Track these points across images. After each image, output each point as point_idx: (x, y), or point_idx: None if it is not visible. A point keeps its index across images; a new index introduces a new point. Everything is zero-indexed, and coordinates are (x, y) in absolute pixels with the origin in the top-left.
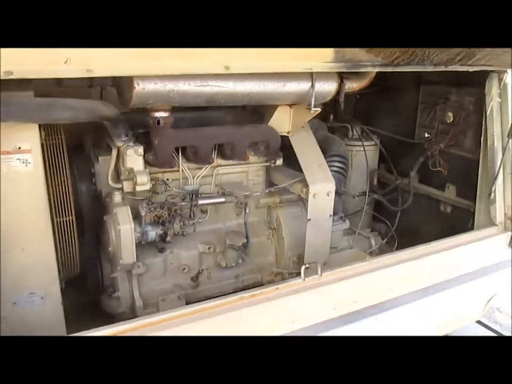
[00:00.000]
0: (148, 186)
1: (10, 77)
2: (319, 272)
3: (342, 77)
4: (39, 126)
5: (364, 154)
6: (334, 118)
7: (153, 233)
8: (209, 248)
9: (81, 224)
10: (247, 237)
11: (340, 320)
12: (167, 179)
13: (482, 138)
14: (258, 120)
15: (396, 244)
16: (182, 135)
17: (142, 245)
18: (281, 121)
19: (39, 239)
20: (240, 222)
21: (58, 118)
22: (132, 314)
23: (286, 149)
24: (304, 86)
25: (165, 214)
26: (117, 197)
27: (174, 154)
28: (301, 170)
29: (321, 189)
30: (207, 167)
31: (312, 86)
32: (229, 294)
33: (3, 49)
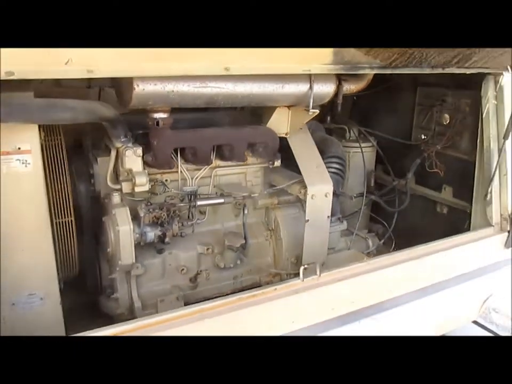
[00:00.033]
0: (146, 187)
1: (12, 77)
2: (317, 272)
3: (340, 78)
4: (39, 126)
5: (361, 155)
6: (331, 120)
7: (152, 234)
8: (207, 249)
9: (80, 225)
10: (245, 238)
11: (338, 320)
12: (166, 180)
13: (478, 140)
14: (257, 121)
15: (393, 245)
16: (181, 136)
17: (141, 246)
18: (279, 122)
19: (39, 239)
20: (239, 223)
21: (58, 119)
22: (131, 315)
23: (284, 150)
24: (302, 87)
25: (163, 215)
26: (116, 197)
27: (173, 155)
28: (298, 172)
29: (319, 190)
30: (205, 168)
31: (311, 87)
32: (227, 295)
33: (4, 50)
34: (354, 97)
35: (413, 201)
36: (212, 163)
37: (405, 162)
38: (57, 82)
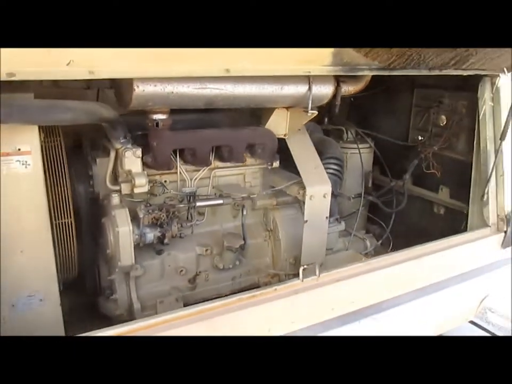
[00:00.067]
0: (146, 188)
1: (13, 78)
2: (317, 273)
3: (338, 80)
4: (38, 127)
5: (358, 156)
6: (329, 121)
7: (151, 235)
8: (206, 250)
9: (79, 226)
10: (244, 239)
11: (338, 320)
12: (165, 181)
13: (475, 141)
14: (255, 122)
15: (391, 245)
16: (180, 137)
17: (140, 247)
18: (278, 123)
19: (38, 241)
20: (237, 224)
21: (58, 120)
22: (130, 316)
23: (282, 151)
24: (301, 89)
25: (163, 216)
26: (115, 199)
27: (172, 156)
28: (297, 173)
29: (318, 191)
30: (204, 169)
31: (309, 89)
32: (226, 295)
33: (5, 51)
34: (352, 99)
35: (410, 202)
36: (211, 164)
37: (402, 164)
38: (56, 83)
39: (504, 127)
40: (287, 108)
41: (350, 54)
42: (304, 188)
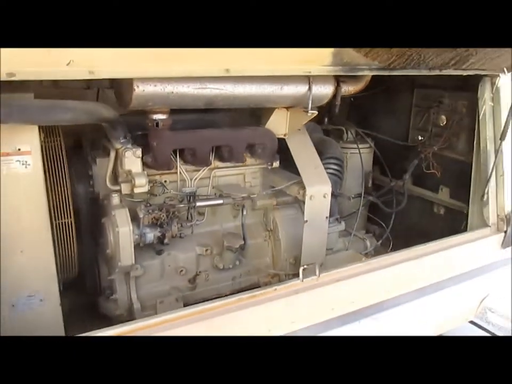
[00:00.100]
0: (146, 188)
1: (13, 78)
2: (317, 273)
3: (338, 80)
4: (38, 127)
5: (358, 156)
6: (329, 121)
7: (151, 235)
8: (206, 250)
9: (79, 226)
10: (244, 239)
11: (338, 320)
12: (165, 181)
13: (475, 141)
14: (255, 122)
15: (390, 245)
16: (181, 137)
17: (140, 247)
18: (278, 123)
19: (38, 241)
20: (237, 224)
21: (59, 120)
22: (130, 316)
23: (281, 151)
24: (301, 89)
25: (163, 216)
26: (115, 199)
27: (172, 157)
28: (296, 173)
29: (318, 191)
30: (204, 169)
31: (309, 89)
32: (226, 295)
33: (5, 51)
34: (352, 99)
35: (410, 202)
36: (211, 164)
37: (402, 164)
38: (56, 83)
39: (504, 127)
40: (287, 108)
41: (350, 54)
42: (304, 187)
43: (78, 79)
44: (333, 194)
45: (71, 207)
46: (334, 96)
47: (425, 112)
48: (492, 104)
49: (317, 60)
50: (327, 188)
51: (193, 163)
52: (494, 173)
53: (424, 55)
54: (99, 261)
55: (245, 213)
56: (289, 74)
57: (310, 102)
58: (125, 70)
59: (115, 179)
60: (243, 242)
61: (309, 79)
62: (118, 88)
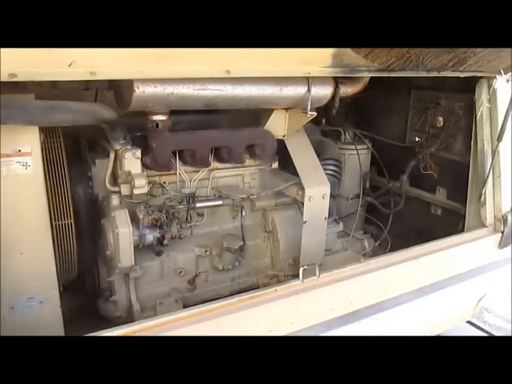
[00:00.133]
0: (145, 190)
1: (15, 79)
2: (317, 273)
3: (337, 81)
4: (39, 128)
5: (356, 157)
6: (326, 122)
7: (151, 236)
8: (205, 251)
9: (78, 227)
10: (243, 240)
11: (338, 320)
12: (164, 182)
13: (472, 142)
14: (254, 123)
15: (389, 246)
16: (180, 138)
17: (139, 248)
18: (277, 125)
19: (38, 242)
20: (236, 225)
21: (59, 121)
22: (129, 318)
23: (279, 152)
24: (300, 90)
25: (163, 217)
26: (115, 200)
27: (171, 158)
28: (294, 174)
29: (317, 192)
30: (204, 170)
31: (309, 90)
32: (225, 296)
33: (7, 51)
34: (349, 100)
35: (407, 203)
36: (210, 165)
37: (399, 165)
38: (54, 84)
39: (501, 128)
40: (286, 109)
41: (350, 55)
42: (303, 188)
43: (78, 80)
44: (331, 195)
45: (71, 209)
46: (333, 97)
47: (423, 114)
48: (489, 105)
49: (317, 61)
50: (326, 189)
51: (192, 164)
52: (491, 173)
53: (422, 57)
54: (98, 262)
55: (244, 214)
56: (289, 76)
57: (309, 103)
58: (126, 70)
59: (114, 180)
60: (242, 243)
61: (308, 81)
62: (118, 89)
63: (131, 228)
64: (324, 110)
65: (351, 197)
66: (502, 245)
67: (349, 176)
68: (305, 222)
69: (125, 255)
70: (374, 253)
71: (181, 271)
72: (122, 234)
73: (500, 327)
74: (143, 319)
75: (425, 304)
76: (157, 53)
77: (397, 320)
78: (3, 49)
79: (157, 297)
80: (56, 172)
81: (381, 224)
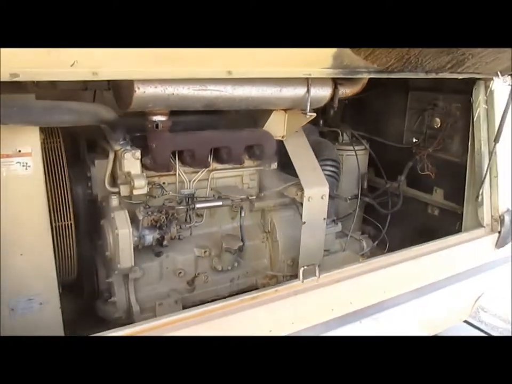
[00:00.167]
0: (145, 190)
1: (16, 79)
2: (317, 274)
3: (336, 82)
4: (39, 129)
5: (354, 158)
6: (324, 123)
7: (150, 237)
8: (205, 252)
9: (77, 228)
10: (242, 240)
11: (337, 321)
12: (163, 183)
13: (469, 143)
14: (252, 124)
15: (387, 246)
16: (180, 139)
17: (139, 249)
18: (276, 125)
19: (38, 243)
20: (235, 226)
21: (61, 121)
22: (128, 319)
23: (278, 153)
24: (299, 91)
25: (162, 218)
26: (114, 201)
27: (170, 158)
28: (292, 174)
29: (316, 192)
30: (203, 171)
31: (308, 91)
32: (224, 297)
33: (9, 51)
34: (346, 101)
35: (404, 203)
36: (209, 166)
37: (396, 165)
38: (53, 84)
39: (498, 129)
40: (285, 110)
41: (350, 56)
42: (302, 189)
43: (78, 81)
44: (329, 196)
45: (71, 209)
46: (332, 98)
47: (420, 115)
48: (486, 107)
49: (318, 62)
50: (325, 189)
51: (192, 165)
52: (488, 174)
53: (421, 59)
54: (97, 263)
55: (243, 214)
56: (290, 77)
57: (309, 104)
58: (128, 71)
59: (113, 181)
60: (242, 243)
61: (307, 82)
62: (117, 90)
63: (131, 229)
64: (321, 111)
65: (349, 197)
66: (499, 245)
67: (346, 177)
68: (304, 222)
69: (125, 256)
70: (372, 253)
71: (180, 272)
72: (122, 235)
73: (496, 326)
74: (142, 320)
75: (424, 304)
76: (159, 53)
77: (396, 320)
78: (5, 49)
79: (156, 298)
80: (56, 173)
81: (379, 225)
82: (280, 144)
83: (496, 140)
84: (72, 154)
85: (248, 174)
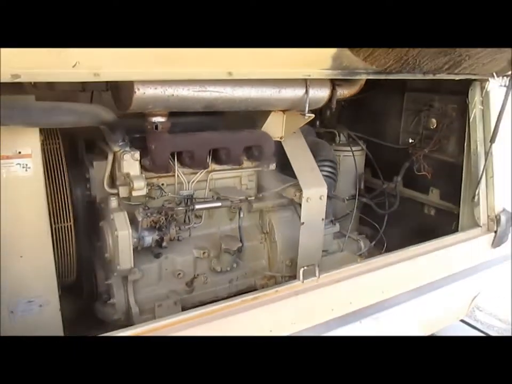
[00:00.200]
0: (144, 191)
1: (18, 80)
2: (317, 274)
3: (334, 84)
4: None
5: (350, 159)
6: (320, 124)
7: (149, 238)
8: (203, 253)
9: (76, 230)
10: (241, 241)
11: (337, 321)
12: (162, 184)
13: (465, 144)
14: (250, 125)
15: (384, 246)
16: (179, 140)
17: (138, 251)
18: (274, 126)
19: (38, 245)
20: (233, 227)
21: (61, 122)
22: (127, 321)
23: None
24: (298, 92)
25: (162, 219)
26: (114, 202)
27: (169, 159)
28: (290, 175)
29: (315, 193)
30: (202, 172)
31: (306, 92)
32: (223, 298)
33: (10, 51)
34: (342, 102)
35: (400, 203)
36: (208, 167)
37: (393, 166)
38: (51, 85)
39: (494, 130)
40: (283, 111)
41: (350, 57)
42: (300, 190)
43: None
44: (327, 196)
45: (70, 211)
46: (330, 99)
47: (416, 116)
48: (482, 107)
49: (317, 63)
50: (323, 190)
51: (191, 166)
52: (484, 174)
53: (419, 60)
54: (96, 265)
55: (242, 215)
56: (289, 78)
57: (307, 105)
58: (130, 72)
59: (112, 182)
60: (241, 244)
61: (306, 83)
62: (116, 91)
63: (130, 230)
64: (317, 112)
65: (347, 198)
66: (495, 244)
67: (343, 178)
68: (303, 223)
69: (125, 257)
70: (370, 254)
71: (179, 273)
72: (121, 236)
73: (492, 325)
74: (142, 321)
75: (421, 303)
76: (162, 54)
77: (395, 320)
78: (5, 50)
79: (155, 299)
80: (56, 174)
81: (376, 225)
82: (279, 145)
83: (492, 140)
84: (70, 156)
85: (247, 175)
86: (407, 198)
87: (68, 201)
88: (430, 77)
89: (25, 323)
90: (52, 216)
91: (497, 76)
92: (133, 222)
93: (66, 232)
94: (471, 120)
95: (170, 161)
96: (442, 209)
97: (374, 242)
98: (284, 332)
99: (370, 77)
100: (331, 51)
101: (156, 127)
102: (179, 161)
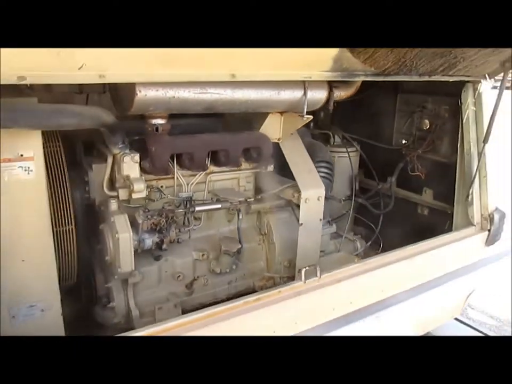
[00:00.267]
0: (144, 194)
1: (23, 82)
2: (318, 274)
3: (331, 85)
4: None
5: (345, 160)
6: (315, 126)
7: (150, 240)
8: (203, 255)
9: (76, 233)
10: (240, 243)
11: (338, 321)
12: (161, 186)
13: (459, 145)
14: (249, 127)
15: (381, 246)
16: (179, 142)
17: (138, 253)
18: (272, 128)
19: (40, 249)
20: (232, 228)
21: (64, 125)
22: (127, 324)
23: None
24: (297, 94)
25: (162, 221)
26: (114, 205)
27: (169, 161)
28: (287, 176)
29: (313, 194)
30: (201, 174)
31: (305, 94)
32: (222, 300)
33: (15, 53)
34: (335, 104)
35: (394, 204)
36: (207, 169)
37: (386, 166)
38: (48, 87)
39: (487, 130)
40: (281, 113)
41: (349, 59)
42: (298, 191)
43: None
44: (324, 197)
45: (72, 214)
46: (327, 101)
47: (409, 117)
48: (474, 108)
49: (318, 65)
50: (321, 191)
51: (190, 168)
52: (478, 174)
53: (416, 62)
54: (95, 268)
55: (241, 217)
56: (290, 79)
57: (306, 107)
58: (135, 73)
59: (112, 185)
60: (240, 246)
61: (304, 84)
62: (116, 93)
63: (131, 233)
64: (312, 114)
65: (343, 198)
66: (489, 242)
67: (338, 179)
68: (301, 224)
69: (126, 260)
70: (366, 254)
71: (179, 276)
72: (122, 239)
73: (484, 323)
74: (142, 324)
75: (418, 302)
76: (167, 56)
77: (394, 319)
78: (10, 51)
79: (155, 302)
80: (57, 177)
81: (372, 225)
82: (276, 146)
83: (485, 140)
84: (68, 158)
85: (245, 177)
86: (401, 198)
87: (69, 204)
88: (426, 78)
89: (26, 328)
90: (53, 219)
91: (490, 78)
92: (133, 224)
93: (67, 235)
94: (464, 121)
95: (169, 164)
96: (435, 208)
97: (370, 243)
98: (288, 332)
99: (369, 78)
100: (332, 53)
101: (157, 129)
102: (178, 163)
